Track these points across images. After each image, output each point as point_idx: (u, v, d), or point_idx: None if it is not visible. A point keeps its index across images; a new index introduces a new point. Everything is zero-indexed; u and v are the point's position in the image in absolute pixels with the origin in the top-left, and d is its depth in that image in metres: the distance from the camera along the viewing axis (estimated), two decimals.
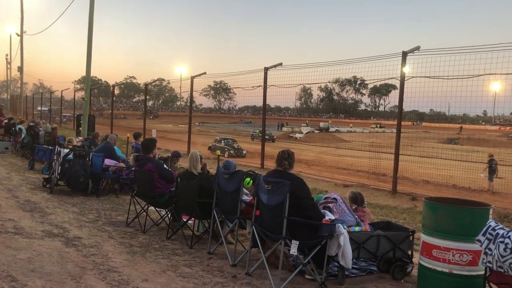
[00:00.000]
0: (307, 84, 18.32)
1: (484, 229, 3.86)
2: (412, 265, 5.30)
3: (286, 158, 5.05)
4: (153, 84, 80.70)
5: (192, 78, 20.11)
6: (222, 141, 31.12)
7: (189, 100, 23.65)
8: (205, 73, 19.88)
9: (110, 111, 29.64)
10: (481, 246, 3.86)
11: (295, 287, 4.81)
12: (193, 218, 6.70)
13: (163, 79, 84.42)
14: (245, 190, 5.78)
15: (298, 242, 4.68)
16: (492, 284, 3.94)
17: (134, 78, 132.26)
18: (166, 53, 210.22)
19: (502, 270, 3.71)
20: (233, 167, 6.44)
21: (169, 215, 7.01)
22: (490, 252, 3.78)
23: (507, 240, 3.64)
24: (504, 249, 3.64)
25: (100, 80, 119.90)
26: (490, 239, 3.78)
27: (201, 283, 4.80)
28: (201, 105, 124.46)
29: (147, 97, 33.00)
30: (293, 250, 4.69)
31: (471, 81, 11.85)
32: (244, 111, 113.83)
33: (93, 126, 20.27)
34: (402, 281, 5.20)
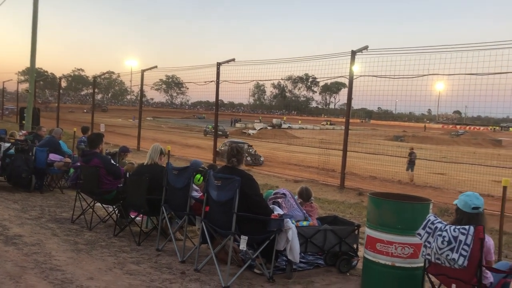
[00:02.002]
0: (260, 80, 18.37)
1: (424, 223, 4.04)
2: (357, 259, 5.46)
3: (234, 155, 5.06)
4: (102, 77, 78.46)
5: (143, 71, 19.73)
6: None
7: (139, 94, 23.15)
8: (156, 66, 19.57)
9: (57, 104, 28.55)
10: (421, 239, 4.04)
11: (244, 282, 4.84)
12: (141, 215, 6.58)
13: (112, 72, 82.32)
14: (194, 187, 5.75)
15: (247, 237, 4.71)
16: (430, 275, 4.13)
17: (83, 70, 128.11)
18: (116, 46, 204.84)
19: (439, 262, 3.90)
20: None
21: (117, 211, 6.85)
22: (429, 245, 3.96)
23: (444, 234, 3.83)
24: (442, 242, 3.82)
25: (46, 72, 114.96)
26: (430, 233, 3.96)
27: (149, 280, 4.73)
28: (152, 99, 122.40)
29: (96, 90, 32.02)
30: (242, 246, 4.72)
31: (416, 81, 12.35)
32: (197, 106, 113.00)
33: (38, 120, 19.46)
34: (348, 274, 5.35)
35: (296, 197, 5.86)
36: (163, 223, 6.09)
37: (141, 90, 21.22)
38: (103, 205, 7.42)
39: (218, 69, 15.52)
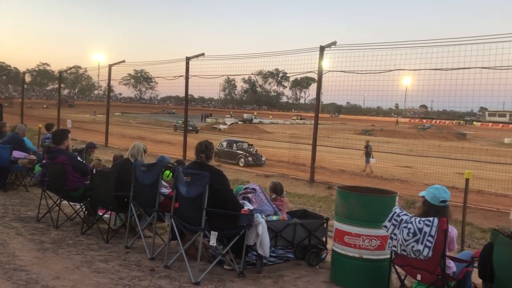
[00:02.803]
0: (231, 75, 18.32)
1: (390, 215, 4.13)
2: (326, 252, 5.53)
3: (203, 150, 5.03)
4: (69, 71, 76.56)
5: (110, 66, 19.35)
6: (234, 145, 23.77)
7: (107, 89, 22.73)
8: (124, 61, 19.24)
9: (21, 100, 27.70)
10: (387, 231, 4.13)
11: (214, 278, 4.83)
12: (109, 212, 6.47)
13: (79, 67, 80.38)
14: (163, 183, 5.69)
15: (217, 233, 4.70)
16: (397, 267, 4.24)
17: (48, 65, 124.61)
18: (83, 40, 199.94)
19: (405, 253, 4.00)
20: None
21: (84, 209, 6.72)
22: (395, 237, 4.05)
23: (410, 225, 3.93)
24: (407, 234, 3.92)
25: (9, 66, 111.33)
26: (395, 225, 4.06)
27: (117, 278, 4.66)
28: (120, 94, 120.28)
29: (62, 85, 31.22)
30: (212, 241, 4.71)
31: (383, 76, 12.57)
32: (167, 101, 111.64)
33: (1, 116, 18.77)
34: (317, 267, 5.42)
35: (267, 192, 5.89)
36: (131, 220, 6.01)
37: (109, 85, 20.84)
38: (70, 202, 7.27)
39: (187, 63, 15.38)
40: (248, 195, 5.43)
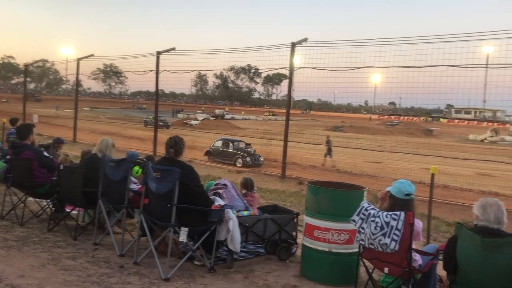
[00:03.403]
0: (202, 70, 18.29)
1: (358, 209, 4.21)
2: (297, 246, 5.59)
3: (172, 145, 4.99)
4: (35, 65, 74.43)
5: (79, 60, 18.96)
6: (230, 144, 22.09)
7: (75, 84, 22.24)
8: (92, 55, 18.88)
9: None
10: (355, 225, 4.21)
11: (184, 274, 4.81)
12: (77, 208, 6.34)
13: (46, 60, 78.14)
14: (133, 179, 5.62)
15: (187, 229, 4.68)
16: (365, 260, 4.32)
17: (13, 58, 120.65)
18: (50, 33, 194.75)
19: (373, 247, 4.08)
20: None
21: (51, 205, 6.56)
22: (363, 231, 4.13)
23: (377, 219, 4.01)
24: (375, 228, 4.00)
25: None
26: (363, 219, 4.13)
27: (85, 275, 4.58)
28: (89, 89, 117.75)
29: (28, 79, 30.33)
30: (183, 237, 4.69)
31: (353, 73, 12.76)
32: (137, 96, 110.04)
33: None
34: (288, 261, 5.47)
35: (238, 187, 5.89)
36: (100, 216, 5.91)
37: (77, 80, 20.44)
38: (36, 199, 7.08)
39: (157, 58, 15.21)
40: (219, 190, 5.43)
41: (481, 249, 3.34)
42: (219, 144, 22.20)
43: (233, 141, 22.39)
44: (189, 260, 5.05)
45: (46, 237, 5.88)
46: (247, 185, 5.93)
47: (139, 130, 34.69)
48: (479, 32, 11.13)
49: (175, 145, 5.01)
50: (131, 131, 33.53)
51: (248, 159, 20.86)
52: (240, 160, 21.01)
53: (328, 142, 22.09)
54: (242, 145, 22.27)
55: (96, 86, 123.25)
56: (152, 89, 16.71)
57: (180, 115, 63.50)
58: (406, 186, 4.12)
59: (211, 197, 5.26)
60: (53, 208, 6.53)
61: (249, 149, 21.85)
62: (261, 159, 21.16)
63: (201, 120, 51.85)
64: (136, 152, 6.85)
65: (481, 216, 3.48)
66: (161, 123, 34.53)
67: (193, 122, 49.49)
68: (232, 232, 4.91)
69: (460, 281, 3.53)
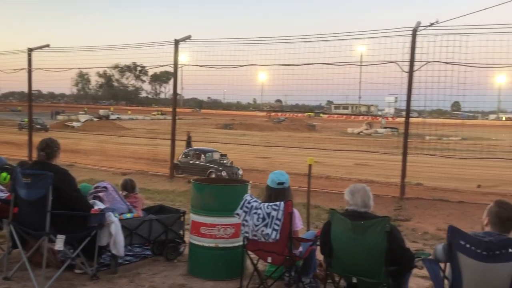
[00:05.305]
0: (83, 68, 17.21)
1: (242, 203, 4.30)
2: (184, 245, 5.54)
3: (43, 148, 4.63)
4: None
5: None
6: (202, 156, 18.66)
7: None
8: None
9: None
10: (239, 218, 4.29)
11: (64, 284, 4.51)
12: None
13: None
14: (0, 186, 5.11)
15: (64, 236, 4.38)
16: (250, 252, 4.42)
17: None
18: None
19: (256, 238, 4.20)
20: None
21: None
22: (246, 223, 4.23)
23: (259, 211, 4.14)
24: (257, 219, 4.13)
25: None
26: (247, 211, 4.23)
27: None
28: None
29: None
30: (59, 245, 4.38)
31: (240, 71, 12.96)
32: (10, 98, 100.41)
33: None
34: (175, 261, 5.40)
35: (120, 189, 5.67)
36: None
37: None
38: None
39: (29, 55, 13.99)
40: (99, 194, 5.16)
41: (352, 232, 3.62)
42: (189, 155, 18.96)
43: (205, 152, 18.80)
44: (69, 269, 4.74)
45: None
46: (127, 187, 5.72)
47: (13, 134, 31.68)
48: (352, 32, 11.99)
49: (47, 147, 4.65)
50: (3, 135, 30.47)
51: (224, 173, 17.53)
52: (213, 175, 17.61)
53: (189, 138, 21.86)
54: (216, 156, 18.99)
55: None
56: (26, 89, 15.33)
57: (60, 117, 59.37)
58: (278, 176, 4.34)
59: (91, 201, 4.99)
60: None
61: (224, 161, 18.68)
62: (240, 172, 17.87)
63: (84, 122, 48.99)
64: (3, 157, 6.22)
65: (350, 201, 3.77)
66: (38, 126, 32.00)
67: (75, 124, 46.59)
68: (115, 236, 4.71)
69: (335, 263, 3.79)
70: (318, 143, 24.19)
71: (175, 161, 17.64)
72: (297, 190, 8.23)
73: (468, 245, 3.01)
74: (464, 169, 15.01)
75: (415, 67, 9.72)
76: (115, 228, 4.70)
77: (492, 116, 41.65)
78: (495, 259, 2.92)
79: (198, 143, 20.54)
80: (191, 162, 18.47)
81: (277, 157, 21.84)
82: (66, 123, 47.09)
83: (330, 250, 3.80)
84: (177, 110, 12.74)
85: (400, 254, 3.59)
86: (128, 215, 5.18)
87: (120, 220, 4.90)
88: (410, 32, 9.74)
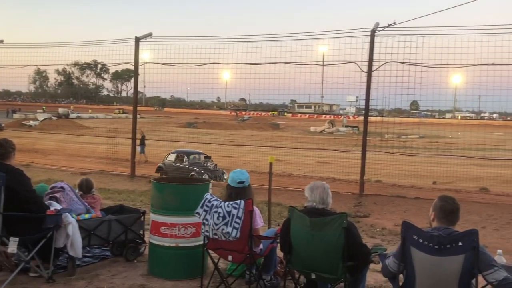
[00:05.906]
0: (40, 65, 16.65)
1: (202, 202, 4.28)
2: (145, 245, 5.47)
3: None
4: None
5: None
6: (185, 158, 17.88)
7: None
8: None
9: None
10: (199, 217, 4.27)
11: None
12: None
13: None
14: None
15: (17, 238, 4.24)
16: (210, 251, 4.41)
17: None
18: None
19: (216, 237, 4.20)
20: None
21: None
22: (207, 222, 4.22)
23: (219, 210, 4.14)
24: (217, 218, 4.12)
25: None
26: (207, 210, 4.22)
27: None
28: None
29: None
30: (12, 248, 4.24)
31: (204, 69, 12.94)
32: None
33: None
34: (135, 261, 5.33)
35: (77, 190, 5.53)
36: None
37: None
38: None
39: None
40: (56, 194, 5.02)
41: (310, 229, 3.67)
42: (172, 157, 18.14)
43: (188, 154, 18.17)
44: (23, 272, 4.59)
45: None
46: (82, 187, 5.58)
47: None
48: (314, 32, 12.19)
49: (0, 147, 4.49)
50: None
51: (205, 176, 16.18)
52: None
53: (142, 138, 21.58)
54: (200, 158, 18.34)
55: None
56: None
57: (16, 115, 57.26)
58: (239, 175, 4.35)
59: (47, 201, 4.85)
60: None
61: (207, 164, 17.87)
62: (225, 176, 16.66)
63: (42, 120, 47.38)
64: None
65: (309, 198, 3.83)
66: None
67: (32, 122, 45.00)
68: (72, 237, 4.60)
69: (294, 260, 3.84)
70: (281, 142, 24.37)
71: (159, 164, 18.03)
72: (260, 188, 8.30)
73: (421, 240, 3.12)
74: (421, 166, 15.48)
75: (374, 67, 9.96)
76: (73, 229, 4.59)
77: (448, 115, 43.14)
78: (446, 253, 3.04)
79: (157, 142, 20.28)
80: (174, 164, 17.82)
81: (241, 156, 21.83)
82: (23, 122, 45.43)
83: (289, 247, 3.84)
84: (139, 108, 12.57)
85: (357, 250, 3.68)
86: (86, 216, 5.07)
87: (78, 220, 4.80)
88: (369, 33, 9.98)
